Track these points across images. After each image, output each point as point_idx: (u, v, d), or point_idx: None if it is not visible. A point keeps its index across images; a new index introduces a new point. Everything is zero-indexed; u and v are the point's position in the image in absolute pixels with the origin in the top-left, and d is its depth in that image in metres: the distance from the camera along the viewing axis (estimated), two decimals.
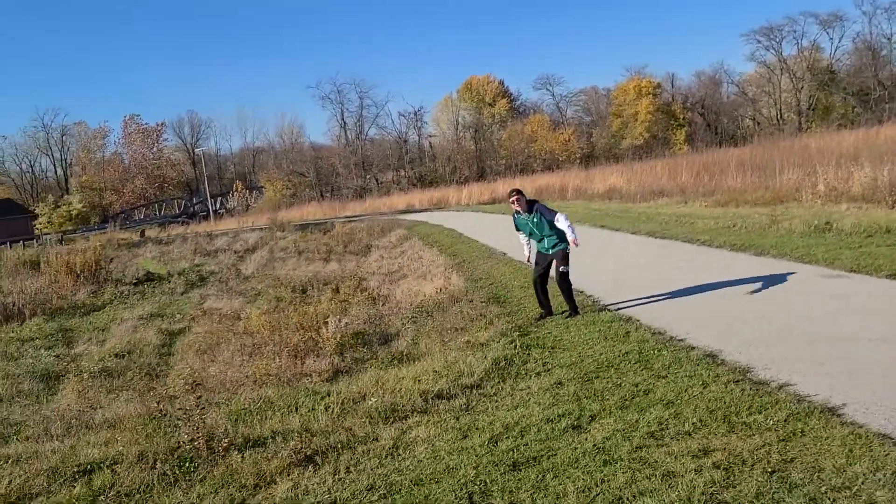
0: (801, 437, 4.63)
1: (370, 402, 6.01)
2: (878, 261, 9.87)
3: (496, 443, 5.07)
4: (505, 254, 16.50)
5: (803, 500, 3.84)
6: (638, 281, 11.09)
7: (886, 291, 8.44)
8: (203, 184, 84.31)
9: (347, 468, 4.88)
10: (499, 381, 6.61)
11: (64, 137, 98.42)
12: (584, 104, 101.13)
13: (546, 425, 5.30)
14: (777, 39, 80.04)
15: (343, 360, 8.51)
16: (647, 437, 4.91)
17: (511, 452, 4.88)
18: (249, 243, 27.78)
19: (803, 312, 7.85)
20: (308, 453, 5.10)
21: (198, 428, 5.27)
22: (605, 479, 4.36)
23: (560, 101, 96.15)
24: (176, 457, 5.17)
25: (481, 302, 10.97)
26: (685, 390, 5.75)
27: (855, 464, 4.16)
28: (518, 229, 9.39)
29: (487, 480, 4.49)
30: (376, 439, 5.37)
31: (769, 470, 4.23)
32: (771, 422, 4.90)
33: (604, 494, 4.17)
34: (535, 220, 9.07)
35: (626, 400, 5.69)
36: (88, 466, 5.17)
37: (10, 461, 5.39)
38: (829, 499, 3.83)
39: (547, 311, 9.32)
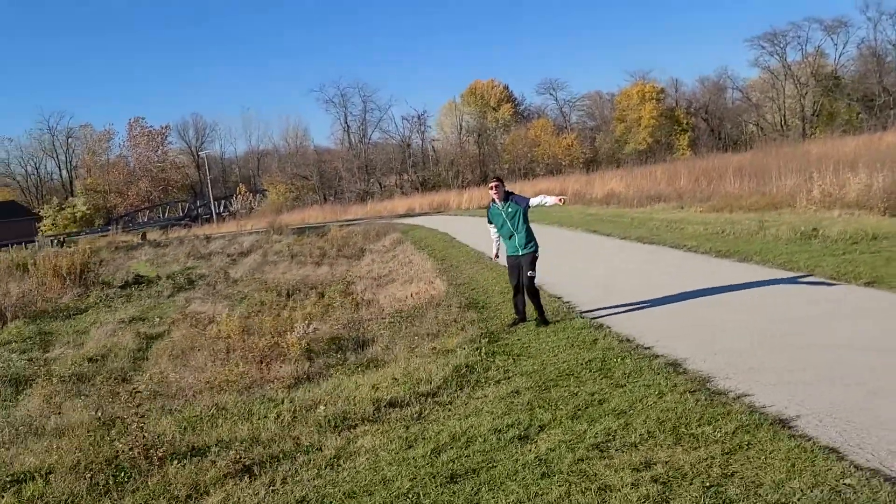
0: (746, 450, 4.50)
1: (320, 411, 5.91)
2: (859, 268, 9.73)
3: (439, 454, 4.96)
4: (492, 258, 16.37)
5: None
6: (618, 287, 10.97)
7: (863, 299, 8.30)
8: (207, 187, 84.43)
9: (284, 479, 4.77)
10: (456, 390, 6.50)
11: (69, 140, 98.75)
12: (588, 109, 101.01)
13: (493, 436, 5.18)
14: (781, 45, 79.79)
15: (311, 366, 8.39)
16: (592, 448, 4.78)
17: (451, 464, 4.77)
18: (244, 247, 27.74)
19: (777, 320, 7.71)
20: (247, 463, 4.99)
21: (136, 437, 5.17)
22: (540, 492, 4.24)
23: (563, 106, 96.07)
24: (113, 466, 5.07)
25: (458, 307, 10.86)
26: (640, 400, 5.63)
27: (794, 479, 4.03)
28: (490, 221, 9.16)
29: (421, 493, 4.38)
30: (320, 449, 5.27)
31: (707, 485, 4.10)
32: (718, 434, 4.77)
33: None
34: (508, 209, 8.85)
35: (580, 410, 5.57)
36: (22, 475, 5.08)
37: None
38: None
39: (521, 317, 9.15)
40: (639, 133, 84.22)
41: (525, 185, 47.45)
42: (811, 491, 3.87)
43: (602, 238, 17.99)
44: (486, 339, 8.38)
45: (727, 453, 4.47)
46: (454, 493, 4.34)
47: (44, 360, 10.97)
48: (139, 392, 6.27)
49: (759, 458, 4.35)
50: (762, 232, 14.10)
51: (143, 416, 5.55)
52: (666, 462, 4.45)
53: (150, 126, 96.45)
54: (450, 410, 5.93)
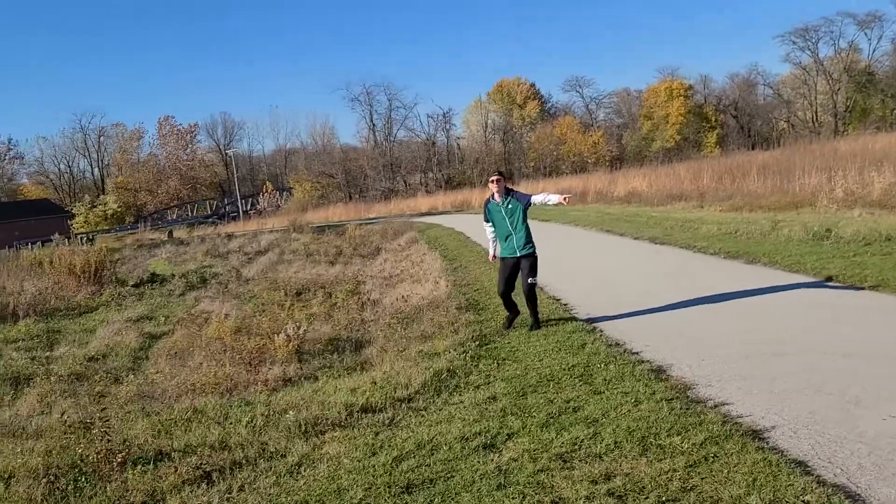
0: (710, 462, 4.35)
1: (289, 416, 5.84)
2: (866, 271, 9.46)
3: (400, 462, 4.87)
4: (490, 259, 16.27)
5: None
6: (619, 289, 10.81)
7: (865, 304, 8.06)
8: (234, 185, 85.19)
9: (241, 487, 4.71)
10: (434, 395, 6.40)
11: (101, 139, 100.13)
12: (616, 106, 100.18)
13: (458, 444, 5.08)
14: (813, 41, 78.39)
15: (301, 369, 8.36)
16: (556, 458, 4.66)
17: (410, 473, 4.67)
18: (261, 245, 27.86)
19: (774, 325, 7.50)
20: (207, 469, 4.94)
21: (99, 441, 5.15)
22: None
23: (590, 103, 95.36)
24: (76, 471, 5.05)
25: (457, 309, 10.76)
26: (615, 408, 5.49)
27: (753, 494, 3.87)
28: (487, 219, 8.67)
29: (373, 503, 4.30)
30: (284, 456, 5.20)
31: (663, 499, 3.97)
32: (686, 445, 4.63)
33: None
34: (508, 206, 8.34)
35: (552, 417, 5.45)
36: None
37: None
38: None
39: (515, 310, 8.77)
40: (666, 130, 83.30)
41: (548, 183, 47.21)
42: None
43: (614, 237, 17.76)
44: (477, 343, 8.26)
45: (691, 466, 4.33)
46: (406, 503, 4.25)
47: (46, 358, 11.06)
48: (105, 395, 6.25)
49: (723, 472, 4.20)
50: (774, 232, 13.79)
51: (107, 420, 5.51)
52: (627, 474, 4.32)
53: (180, 124, 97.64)
54: (423, 416, 5.84)
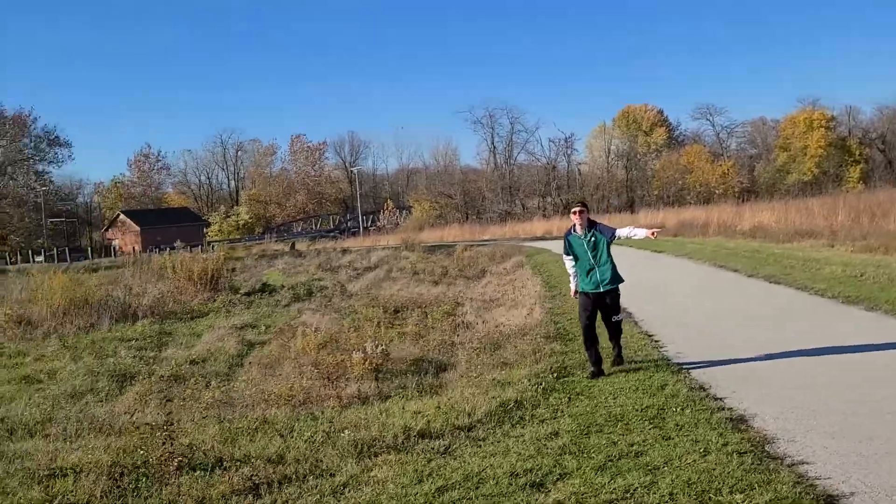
0: None
1: (344, 435, 5.84)
2: None
3: (443, 493, 4.74)
4: (571, 295, 15.85)
5: None
6: (718, 328, 10.25)
7: None
8: (356, 201, 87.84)
9: (286, 502, 4.74)
10: (496, 425, 6.23)
11: (238, 153, 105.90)
12: (749, 136, 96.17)
13: (507, 479, 4.90)
14: None
15: (378, 387, 8.38)
16: None
17: None
18: (371, 261, 28.48)
19: (881, 381, 6.84)
20: (257, 482, 5.00)
21: (163, 445, 5.33)
22: None
23: (720, 132, 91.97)
24: (140, 472, 5.25)
25: (545, 337, 10.53)
26: (680, 456, 5.14)
27: None
28: (568, 253, 8.14)
29: None
30: (333, 475, 5.19)
31: None
32: None
33: None
34: (591, 239, 7.86)
35: (610, 460, 5.17)
36: (59, 470, 5.37)
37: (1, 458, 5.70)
38: None
39: (599, 369, 7.84)
40: (804, 163, 79.13)
41: (667, 214, 45.81)
42: None
43: (726, 273, 16.90)
44: (555, 374, 8.01)
45: None
46: None
47: (153, 358, 11.66)
48: (193, 399, 6.46)
49: None
50: None
51: (170, 424, 5.71)
52: None
53: (310, 142, 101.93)
54: (479, 447, 5.69)
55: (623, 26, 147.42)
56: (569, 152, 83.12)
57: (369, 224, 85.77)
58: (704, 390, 6.96)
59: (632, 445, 5.47)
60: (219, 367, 11.11)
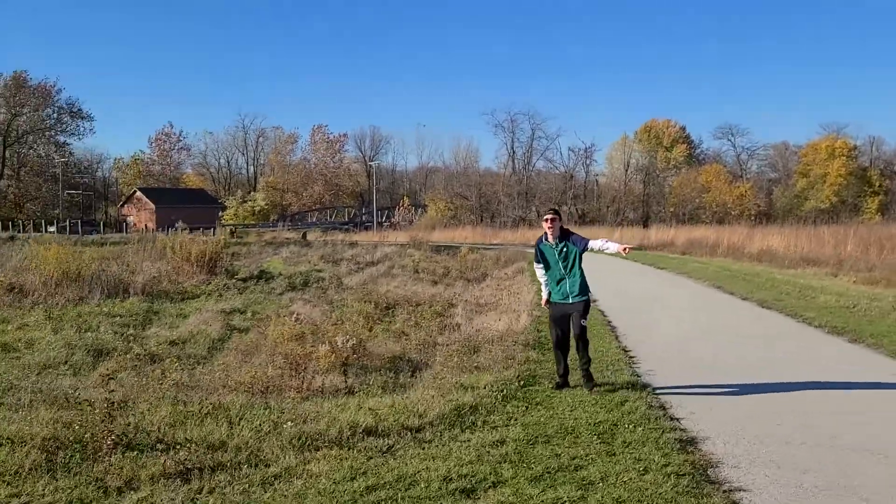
0: None
1: (287, 427, 5.84)
2: None
3: (371, 491, 4.73)
4: (596, 300, 15.80)
5: None
6: (698, 349, 10.17)
7: None
8: (373, 196, 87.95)
9: (212, 489, 4.72)
10: (446, 429, 6.20)
11: (259, 139, 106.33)
12: (771, 159, 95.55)
13: (438, 483, 4.87)
14: None
15: (345, 382, 8.38)
16: None
17: None
18: (375, 257, 28.48)
19: (836, 412, 6.77)
20: (189, 467, 5.00)
21: (99, 423, 5.35)
22: None
23: (741, 153, 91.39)
24: (75, 448, 5.26)
25: (524, 344, 10.49)
26: (618, 473, 5.10)
27: None
28: (538, 261, 7.92)
29: None
30: (268, 465, 5.19)
31: None
32: None
33: None
34: (562, 249, 7.66)
35: (549, 472, 5.13)
36: None
37: None
38: None
39: (564, 380, 7.80)
40: (822, 190, 78.49)
41: (678, 231, 45.53)
42: None
43: (722, 295, 16.78)
44: (521, 382, 7.98)
45: None
46: None
47: (134, 336, 11.72)
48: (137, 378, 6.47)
49: None
50: (895, 313, 12.54)
51: (112, 403, 5.72)
52: None
53: (331, 133, 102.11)
54: (422, 449, 5.67)
55: (652, 40, 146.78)
56: (588, 162, 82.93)
57: (384, 219, 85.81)
58: (664, 409, 6.91)
59: (573, 459, 5.43)
60: (198, 349, 11.15)
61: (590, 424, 6.32)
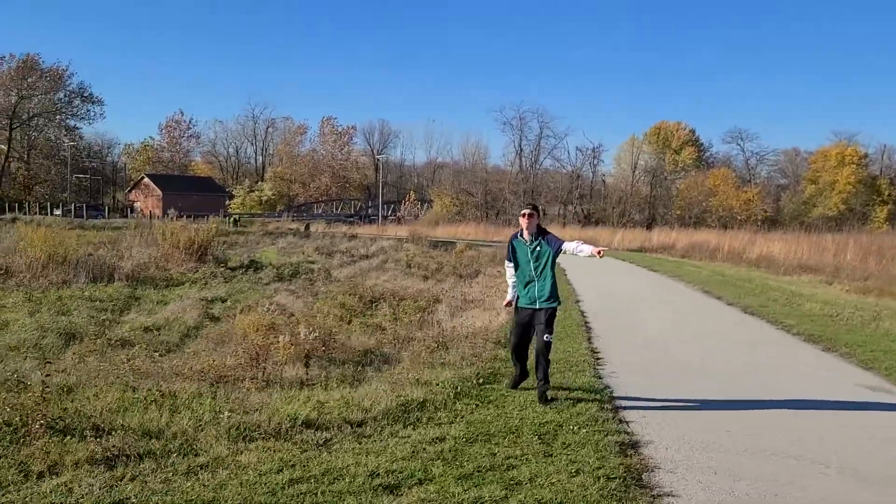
0: None
1: (223, 417, 5.83)
2: None
3: (294, 484, 4.70)
4: (579, 300, 15.77)
5: None
6: (667, 350, 10.12)
7: None
8: (379, 189, 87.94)
9: (133, 477, 4.71)
10: (389, 424, 6.18)
11: (269, 129, 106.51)
12: (781, 164, 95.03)
13: (364, 479, 4.85)
14: None
15: (308, 373, 8.37)
16: None
17: (293, 498, 4.50)
18: (370, 250, 28.47)
19: (788, 428, 6.70)
20: (117, 453, 5.00)
21: (36, 404, 5.35)
22: None
23: (750, 158, 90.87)
24: (7, 430, 5.26)
25: (495, 342, 10.46)
26: (549, 474, 5.07)
27: None
28: (509, 259, 7.41)
29: None
30: (198, 455, 5.18)
31: None
32: None
33: None
34: (536, 248, 7.17)
35: (479, 471, 5.10)
36: None
37: None
38: None
39: (523, 371, 7.53)
40: (830, 197, 77.97)
41: (680, 234, 45.36)
42: None
43: (709, 300, 16.69)
44: (480, 380, 7.94)
45: None
46: None
47: (111, 321, 11.75)
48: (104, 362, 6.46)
49: None
50: (875, 322, 12.44)
51: (47, 387, 5.72)
52: None
53: (340, 125, 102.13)
54: (359, 443, 5.64)
55: (664, 44, 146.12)
56: (595, 162, 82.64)
57: (389, 213, 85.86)
58: (615, 412, 6.87)
59: (508, 458, 5.40)
60: (171, 337, 11.17)
61: (535, 425, 6.29)
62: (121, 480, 4.67)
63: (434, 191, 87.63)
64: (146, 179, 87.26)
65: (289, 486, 4.68)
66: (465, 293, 18.87)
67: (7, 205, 62.65)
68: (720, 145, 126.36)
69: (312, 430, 5.84)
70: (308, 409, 6.23)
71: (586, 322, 12.61)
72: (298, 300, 15.52)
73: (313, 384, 7.87)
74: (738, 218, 72.29)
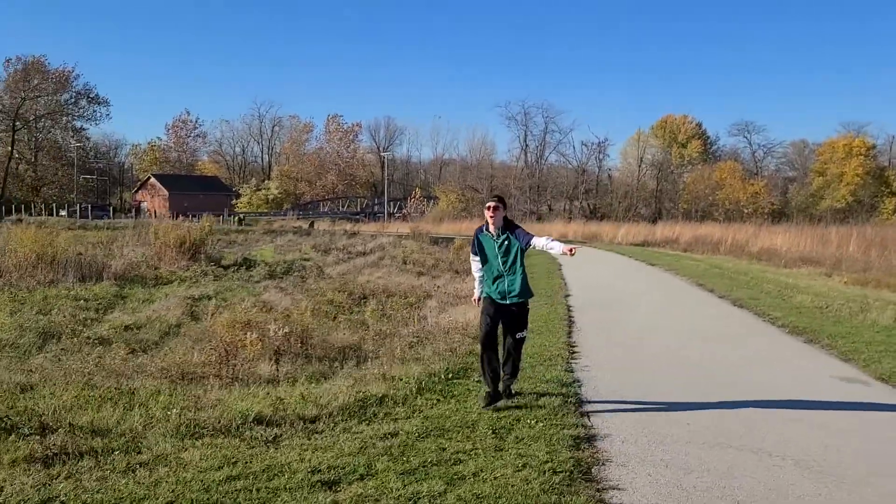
0: None
1: (172, 414, 5.79)
2: None
3: (232, 480, 4.66)
4: (569, 294, 15.69)
5: None
6: (647, 348, 10.00)
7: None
8: (385, 186, 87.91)
9: (68, 475, 4.68)
10: (345, 419, 6.13)
11: (274, 128, 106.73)
12: (789, 157, 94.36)
13: (304, 475, 4.80)
14: None
15: (278, 370, 8.34)
16: None
17: (227, 494, 4.46)
18: (368, 247, 28.44)
19: (760, 419, 6.60)
20: (57, 452, 4.97)
21: None
22: None
23: (757, 151, 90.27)
24: None
25: (473, 337, 10.37)
26: (494, 468, 5.01)
27: None
28: (475, 252, 7.00)
29: None
30: (140, 452, 5.15)
31: None
32: None
33: None
34: (504, 243, 6.77)
35: (424, 466, 5.05)
36: None
37: None
38: None
39: (495, 393, 6.69)
40: (838, 189, 77.31)
41: (684, 227, 45.06)
42: None
43: (700, 292, 16.55)
44: (450, 375, 7.89)
45: None
46: None
47: (92, 320, 11.76)
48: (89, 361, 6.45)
49: None
50: (862, 314, 12.29)
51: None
52: None
53: (346, 123, 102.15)
54: (308, 440, 5.60)
55: (669, 37, 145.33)
56: (601, 157, 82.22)
57: (395, 211, 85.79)
58: (578, 405, 6.79)
59: (457, 453, 5.34)
60: (151, 335, 11.17)
61: (492, 419, 6.22)
62: (56, 479, 4.64)
63: (439, 188, 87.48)
64: (152, 179, 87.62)
65: (225, 483, 4.64)
66: (458, 289, 18.80)
67: (14, 206, 63.02)
68: (727, 138, 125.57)
69: (263, 427, 5.80)
70: (263, 406, 6.19)
71: (570, 316, 12.52)
72: (287, 297, 15.51)
73: (279, 381, 7.85)
74: (745, 211, 71.74)
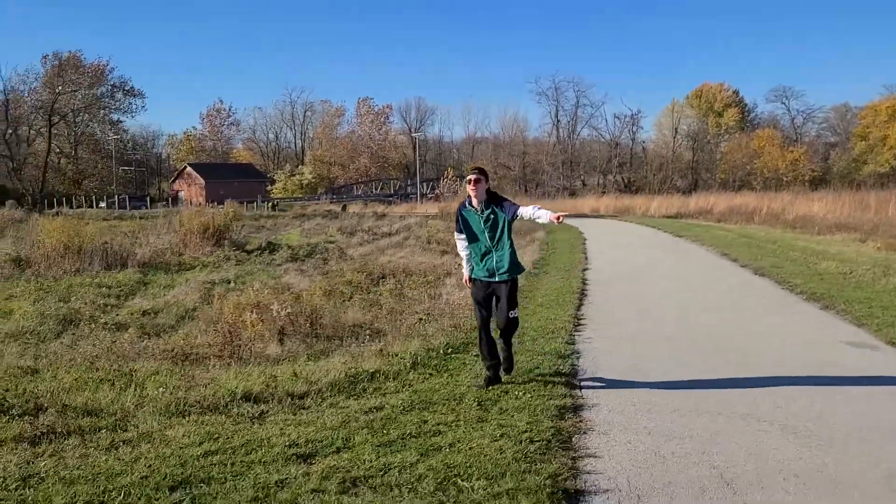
0: None
1: (158, 393, 5.90)
2: None
3: (207, 456, 4.73)
4: (586, 269, 15.56)
5: None
6: (655, 318, 9.89)
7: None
8: (416, 167, 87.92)
9: (52, 454, 4.80)
10: (333, 395, 6.20)
11: (307, 113, 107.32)
12: (830, 122, 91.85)
13: (282, 448, 4.87)
14: None
15: (282, 349, 8.45)
16: (344, 482, 4.33)
17: (200, 469, 4.52)
18: (394, 227, 28.53)
19: (757, 386, 6.50)
20: (45, 431, 5.11)
21: None
22: None
23: (796, 117, 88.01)
24: None
25: None
26: (471, 439, 5.02)
27: None
28: (459, 230, 6.66)
29: (125, 498, 4.19)
30: (126, 430, 5.27)
31: None
32: (480, 493, 4.13)
33: None
34: (490, 216, 6.44)
35: (403, 438, 5.08)
36: None
37: None
38: None
39: (495, 375, 6.53)
40: (882, 153, 75.11)
41: (718, 198, 44.30)
42: None
43: (722, 261, 16.29)
44: (449, 350, 7.90)
45: None
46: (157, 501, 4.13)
47: (112, 306, 12.02)
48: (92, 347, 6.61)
49: None
50: (886, 278, 11.98)
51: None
52: None
53: (377, 105, 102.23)
54: (293, 415, 5.67)
55: (703, 4, 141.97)
56: (634, 129, 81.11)
57: (428, 191, 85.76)
58: (573, 376, 6.76)
59: (438, 425, 5.36)
60: (168, 319, 11.37)
61: (480, 391, 6.23)
62: (39, 457, 4.77)
63: (470, 166, 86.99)
64: (189, 169, 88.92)
65: (202, 458, 4.72)
66: None
67: (55, 199, 64.53)
68: (764, 105, 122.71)
69: (250, 404, 5.89)
70: (255, 384, 6.28)
71: (584, 290, 12.41)
72: (306, 279, 15.65)
73: (283, 360, 7.94)
74: (785, 179, 70.18)
